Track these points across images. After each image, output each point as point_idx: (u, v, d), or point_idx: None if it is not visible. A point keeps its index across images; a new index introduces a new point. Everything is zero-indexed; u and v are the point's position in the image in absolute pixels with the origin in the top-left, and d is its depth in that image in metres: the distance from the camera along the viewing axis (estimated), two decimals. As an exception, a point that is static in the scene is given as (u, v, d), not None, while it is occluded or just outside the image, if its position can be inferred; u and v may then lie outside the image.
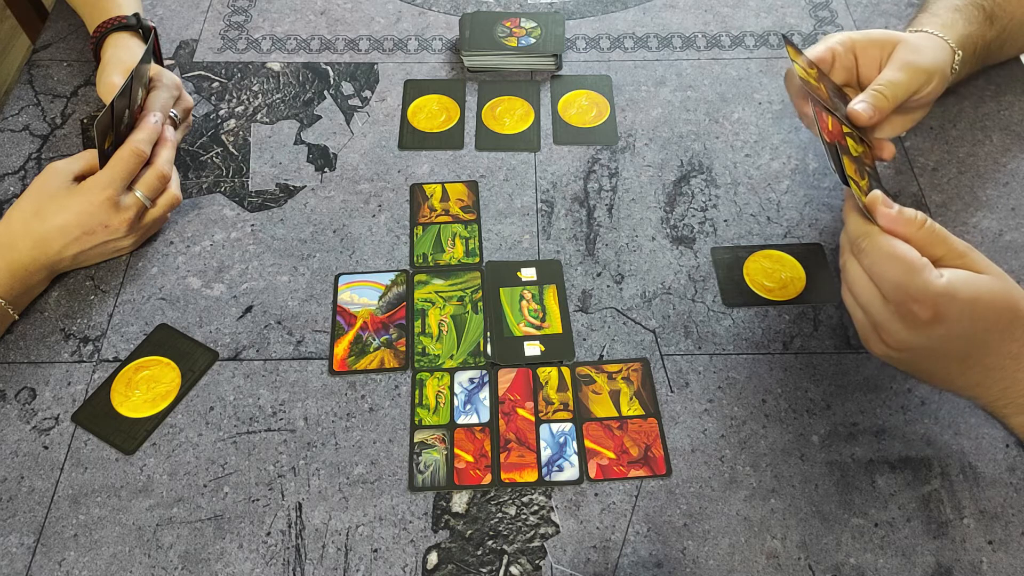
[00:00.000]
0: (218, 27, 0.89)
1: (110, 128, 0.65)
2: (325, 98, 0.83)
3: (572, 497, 0.59)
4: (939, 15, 0.70)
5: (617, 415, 0.62)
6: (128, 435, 0.61)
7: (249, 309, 0.68)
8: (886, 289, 0.51)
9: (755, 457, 0.60)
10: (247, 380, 0.64)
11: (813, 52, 0.64)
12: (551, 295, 0.69)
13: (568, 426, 0.62)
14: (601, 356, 0.65)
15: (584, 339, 0.66)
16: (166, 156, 0.70)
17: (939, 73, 0.64)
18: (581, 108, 0.82)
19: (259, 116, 0.81)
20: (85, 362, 0.65)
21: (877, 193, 0.53)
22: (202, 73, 0.85)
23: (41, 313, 0.67)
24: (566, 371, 0.64)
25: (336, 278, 0.70)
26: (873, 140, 0.64)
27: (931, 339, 0.51)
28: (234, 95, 0.83)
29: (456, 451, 0.60)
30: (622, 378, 0.64)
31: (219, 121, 0.81)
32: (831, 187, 0.76)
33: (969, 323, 0.50)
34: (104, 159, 0.66)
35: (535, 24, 0.87)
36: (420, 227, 0.73)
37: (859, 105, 0.60)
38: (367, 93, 0.83)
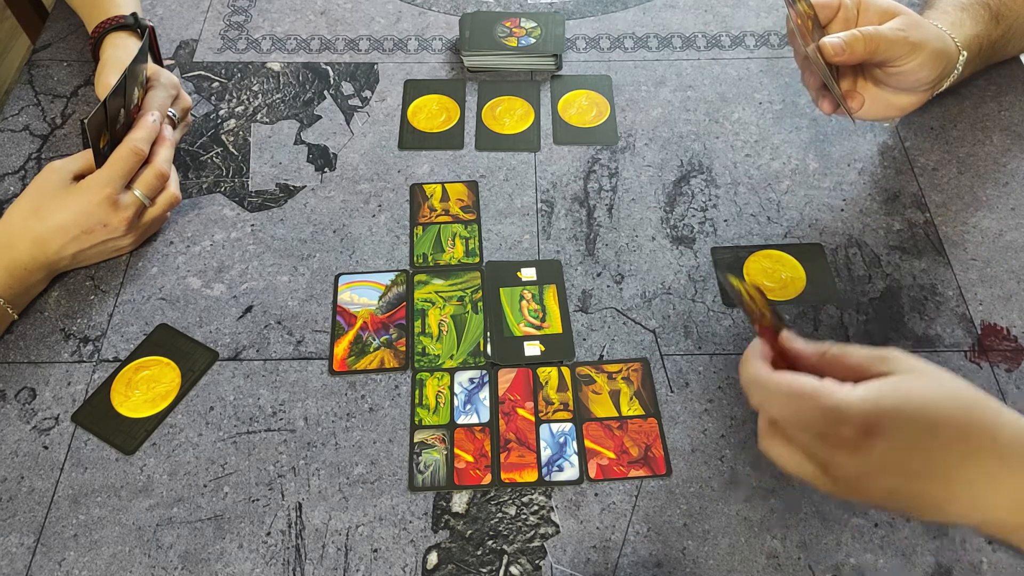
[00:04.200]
0: (218, 27, 0.89)
1: (104, 127, 0.65)
2: (325, 98, 0.83)
3: (572, 497, 0.59)
4: (948, 12, 0.71)
5: (617, 415, 0.62)
6: (128, 435, 0.61)
7: (249, 309, 0.68)
8: (806, 426, 0.43)
9: (755, 457, 0.60)
10: (247, 380, 0.64)
11: None
12: (551, 295, 0.69)
13: (568, 426, 0.62)
14: (601, 356, 0.65)
15: (584, 339, 0.66)
16: (165, 155, 0.69)
17: (925, 53, 0.64)
18: (581, 108, 0.82)
19: (259, 116, 0.81)
20: (85, 362, 0.65)
21: (786, 337, 0.46)
22: (202, 73, 0.85)
23: (41, 313, 0.67)
24: (566, 371, 0.64)
25: (336, 278, 0.70)
26: (844, 94, 0.67)
27: (876, 457, 0.42)
28: (234, 95, 0.83)
29: (456, 451, 0.60)
30: (622, 378, 0.64)
31: (219, 121, 0.81)
32: (831, 187, 0.76)
33: (911, 429, 0.41)
34: (100, 159, 0.66)
35: (535, 24, 0.87)
36: (420, 227, 0.73)
37: (832, 38, 0.62)
38: (367, 93, 0.83)
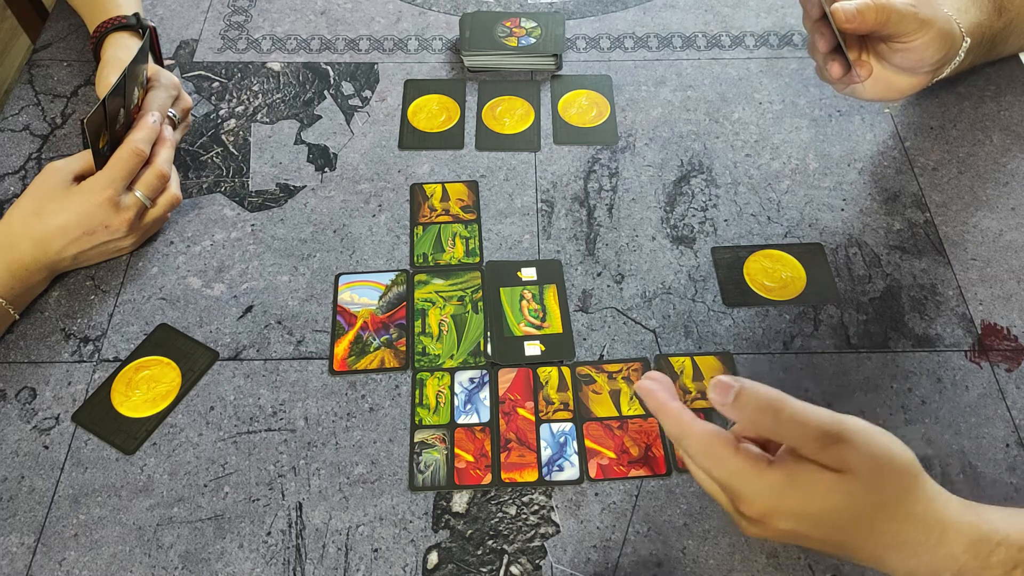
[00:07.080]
0: (218, 27, 0.89)
1: (103, 127, 0.65)
2: (325, 98, 0.83)
3: (572, 497, 0.59)
4: None
5: (617, 415, 0.62)
6: (128, 435, 0.61)
7: (249, 309, 0.68)
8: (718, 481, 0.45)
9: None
10: (247, 380, 0.64)
11: None
12: (551, 295, 0.69)
13: (568, 426, 0.62)
14: (601, 356, 0.65)
15: (584, 339, 0.66)
16: (165, 156, 0.69)
17: (932, 32, 0.63)
18: (581, 108, 0.82)
19: (259, 116, 0.81)
20: (85, 362, 0.65)
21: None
22: (202, 73, 0.85)
23: (41, 313, 0.67)
24: (566, 371, 0.64)
25: (336, 278, 0.70)
26: (854, 62, 0.66)
27: (773, 532, 0.44)
28: (234, 95, 0.83)
29: (456, 451, 0.60)
30: (622, 378, 0.64)
31: (219, 121, 0.81)
32: (831, 187, 0.76)
33: (874, 474, 0.43)
34: (100, 159, 0.66)
35: (535, 24, 0.87)
36: (420, 227, 0.73)
37: (844, 4, 0.61)
38: (367, 93, 0.83)
